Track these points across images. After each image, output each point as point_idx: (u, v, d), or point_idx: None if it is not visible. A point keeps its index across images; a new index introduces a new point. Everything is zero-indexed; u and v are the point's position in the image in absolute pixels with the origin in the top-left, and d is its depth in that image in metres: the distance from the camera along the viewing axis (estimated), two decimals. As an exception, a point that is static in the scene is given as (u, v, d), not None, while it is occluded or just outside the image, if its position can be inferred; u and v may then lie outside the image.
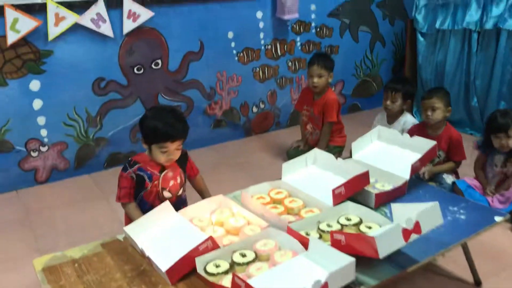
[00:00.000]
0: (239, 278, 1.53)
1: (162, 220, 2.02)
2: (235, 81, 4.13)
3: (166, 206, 2.05)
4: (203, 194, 2.45)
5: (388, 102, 3.26)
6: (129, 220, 2.26)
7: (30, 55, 3.21)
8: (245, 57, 4.11)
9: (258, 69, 4.22)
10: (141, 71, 3.65)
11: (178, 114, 2.25)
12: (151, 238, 1.95)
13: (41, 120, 3.38)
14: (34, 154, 3.42)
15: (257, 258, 1.78)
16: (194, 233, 1.90)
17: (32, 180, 3.47)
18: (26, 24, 3.09)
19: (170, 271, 1.71)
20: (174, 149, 2.19)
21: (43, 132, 3.41)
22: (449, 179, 2.98)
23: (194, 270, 1.73)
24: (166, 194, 2.29)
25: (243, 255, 1.79)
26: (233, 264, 1.76)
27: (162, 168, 2.27)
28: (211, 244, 1.80)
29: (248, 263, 1.75)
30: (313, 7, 4.34)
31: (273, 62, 4.29)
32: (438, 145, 2.83)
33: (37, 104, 3.34)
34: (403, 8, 4.94)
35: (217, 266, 1.73)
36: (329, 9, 4.46)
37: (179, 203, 2.31)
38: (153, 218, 2.01)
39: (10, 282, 2.45)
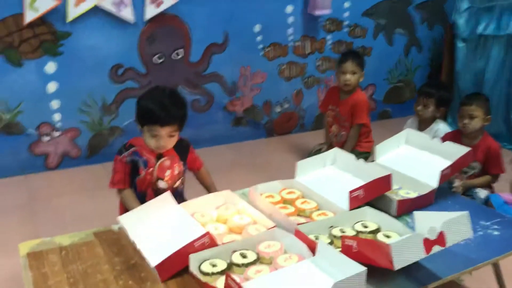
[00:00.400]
0: (232, 279, 1.35)
1: (161, 212, 1.87)
2: (259, 78, 3.97)
3: (167, 197, 1.89)
4: (208, 189, 2.28)
5: (420, 107, 3.05)
6: (123, 208, 2.11)
7: (47, 36, 3.14)
8: (271, 53, 3.95)
9: (284, 66, 4.05)
10: (161, 60, 3.53)
11: (176, 98, 2.05)
12: (146, 230, 1.79)
13: (54, 104, 3.30)
14: (45, 138, 3.34)
15: (258, 260, 1.61)
16: (192, 228, 1.73)
17: (42, 166, 3.38)
18: (45, 2, 3.02)
19: (160, 266, 1.55)
20: (165, 135, 2.00)
21: (56, 117, 3.33)
22: (482, 193, 2.73)
23: (187, 268, 1.56)
24: (161, 184, 2.12)
25: (244, 256, 1.61)
26: (231, 265, 1.58)
27: (159, 156, 2.10)
28: (208, 241, 1.63)
29: (248, 265, 1.57)
30: (346, 4, 4.15)
31: (301, 60, 4.11)
32: (474, 155, 2.59)
33: (52, 87, 3.26)
34: (443, 12, 4.69)
35: (213, 266, 1.57)
36: (364, 8, 4.27)
37: (174, 196, 2.11)
38: (151, 208, 1.86)
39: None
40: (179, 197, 2.19)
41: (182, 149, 2.16)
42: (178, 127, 2.03)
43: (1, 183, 3.24)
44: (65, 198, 3.06)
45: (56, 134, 3.36)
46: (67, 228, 2.67)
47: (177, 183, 2.18)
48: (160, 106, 1.95)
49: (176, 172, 2.15)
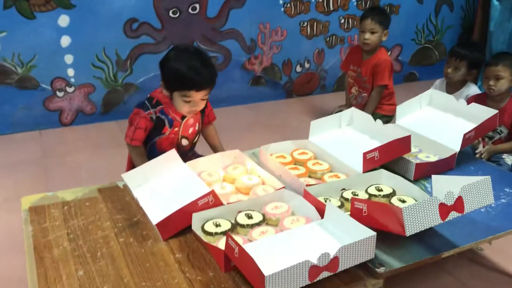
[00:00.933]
0: (233, 240, 1.28)
1: (166, 170, 1.80)
2: (279, 35, 3.82)
3: (173, 155, 1.82)
4: (216, 148, 2.22)
5: (450, 70, 2.87)
6: (131, 164, 2.07)
7: (60, -13, 3.05)
8: (293, 9, 3.78)
9: (306, 23, 3.88)
10: (177, 14, 3.41)
11: (206, 59, 1.96)
12: (150, 188, 1.73)
13: (68, 59, 3.24)
14: (60, 94, 3.30)
15: (264, 221, 1.53)
16: (197, 187, 1.66)
17: (56, 121, 3.37)
18: (56, -49, 2.92)
19: (161, 224, 1.50)
20: (199, 99, 1.92)
21: (70, 72, 3.28)
22: (509, 159, 2.59)
23: (191, 227, 1.51)
24: (184, 142, 2.08)
25: (249, 217, 1.54)
26: (235, 225, 1.51)
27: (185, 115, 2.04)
28: (212, 200, 1.56)
29: (252, 226, 1.50)
30: (374, -42, 3.93)
31: (324, 17, 3.93)
32: (500, 119, 2.45)
33: (65, 41, 3.20)
34: (478, -33, 4.40)
35: (216, 226, 1.50)
36: (393, -38, 4.03)
37: (191, 149, 2.14)
38: (156, 166, 1.80)
39: (4, 221, 2.39)
40: (193, 154, 2.16)
41: None
42: (211, 88, 1.96)
43: (16, 138, 3.24)
44: (78, 154, 3.04)
45: (70, 89, 3.32)
46: (79, 185, 2.64)
47: (196, 138, 2.15)
48: (195, 70, 1.86)
49: (197, 128, 2.11)
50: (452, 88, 2.93)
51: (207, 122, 2.20)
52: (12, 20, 3.05)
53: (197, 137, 2.15)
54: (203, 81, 1.88)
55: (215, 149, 2.21)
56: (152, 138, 2.04)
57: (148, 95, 2.03)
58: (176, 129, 2.03)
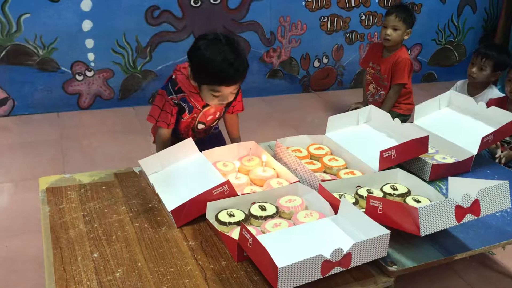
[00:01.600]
0: (247, 231, 1.29)
1: (182, 158, 1.81)
2: (299, 29, 3.80)
3: (189, 143, 1.83)
4: (233, 139, 2.22)
5: (475, 69, 2.80)
6: (154, 130, 2.10)
7: (84, -28, 3.07)
8: (314, 3, 3.76)
9: (326, 18, 3.85)
10: (198, 4, 3.41)
11: (238, 50, 1.80)
12: (166, 175, 1.74)
13: (89, 43, 3.26)
14: (79, 77, 3.33)
15: (277, 214, 1.54)
16: (212, 176, 1.68)
17: (74, 105, 3.40)
18: None
19: (176, 212, 1.51)
20: (228, 93, 1.85)
21: (90, 56, 3.30)
22: (526, 165, 2.55)
23: (204, 216, 1.52)
24: (200, 126, 2.08)
25: (263, 208, 1.55)
26: (249, 216, 1.53)
27: (206, 104, 1.99)
28: (227, 190, 1.57)
29: (266, 218, 1.51)
30: (398, -45, 3.88)
31: (345, 13, 3.90)
32: (520, 124, 2.41)
33: (87, 25, 3.22)
34: (504, -31, 4.33)
35: (230, 216, 1.51)
36: (417, -39, 3.98)
37: (205, 132, 2.15)
38: (172, 154, 1.81)
39: (20, 200, 2.42)
40: (215, 135, 2.19)
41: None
42: (242, 81, 1.86)
43: (35, 119, 3.28)
44: (95, 138, 3.07)
45: (90, 74, 3.35)
46: (94, 168, 2.68)
47: (213, 123, 2.14)
48: (228, 64, 1.74)
49: (217, 116, 2.10)
50: (474, 89, 2.88)
51: (231, 112, 2.15)
52: (36, 2, 3.08)
53: (214, 122, 2.13)
54: (235, 75, 1.78)
55: (233, 140, 2.21)
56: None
57: (173, 76, 1.96)
58: (195, 115, 2.02)
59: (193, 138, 1.84)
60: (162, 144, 2.03)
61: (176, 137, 2.10)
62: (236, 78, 1.79)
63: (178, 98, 1.96)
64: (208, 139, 2.18)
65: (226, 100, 1.89)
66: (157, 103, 1.99)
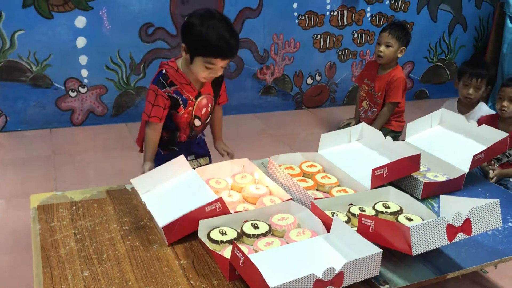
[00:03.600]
0: (239, 250, 1.28)
1: (174, 176, 1.81)
2: (292, 47, 3.83)
3: (181, 160, 1.82)
4: (214, 128, 2.28)
5: (471, 91, 2.78)
6: (142, 136, 2.11)
7: (79, -11, 3.09)
8: (307, 22, 3.80)
9: (319, 36, 3.89)
10: (193, 21, 3.43)
11: (232, 27, 1.91)
12: (158, 193, 1.74)
13: (83, 60, 3.27)
14: (72, 94, 3.33)
15: (270, 232, 1.54)
16: (205, 194, 1.67)
17: (67, 121, 3.39)
18: (77, -45, 2.96)
19: (167, 228, 1.50)
20: (219, 67, 1.92)
21: (84, 73, 3.31)
22: (517, 183, 2.57)
23: (197, 234, 1.51)
24: (197, 122, 2.11)
25: (255, 226, 1.55)
26: (241, 234, 1.52)
27: (198, 94, 2.05)
28: (220, 207, 1.57)
29: (258, 236, 1.50)
30: (390, -25, 3.94)
31: (337, 31, 3.94)
32: (510, 142, 2.43)
33: (81, 42, 3.23)
34: (494, -11, 4.41)
35: (222, 234, 1.51)
36: (408, -19, 4.04)
37: (202, 130, 2.21)
38: (165, 172, 1.80)
39: (11, 217, 2.40)
40: (203, 141, 2.24)
41: (217, 84, 2.11)
42: (235, 55, 1.97)
43: (27, 135, 3.27)
44: (87, 155, 3.06)
45: (83, 90, 3.35)
46: (86, 184, 2.67)
47: (208, 119, 2.18)
48: (223, 39, 1.84)
49: (209, 109, 2.13)
50: (465, 107, 2.90)
51: (218, 103, 2.20)
52: (31, 19, 3.09)
53: (209, 118, 2.17)
54: (231, 50, 1.88)
55: (213, 129, 2.27)
56: (169, 111, 2.04)
57: (163, 71, 1.99)
58: (190, 108, 2.04)
59: (189, 136, 1.97)
60: (153, 142, 2.05)
61: (173, 139, 2.13)
62: (230, 52, 1.89)
63: (172, 91, 1.99)
64: (196, 144, 2.24)
65: (216, 74, 1.95)
66: (149, 99, 2.00)
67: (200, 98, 2.05)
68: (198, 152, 2.25)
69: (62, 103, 3.34)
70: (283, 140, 3.48)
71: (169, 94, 1.98)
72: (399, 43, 3.09)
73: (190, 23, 1.89)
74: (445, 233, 1.31)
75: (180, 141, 2.14)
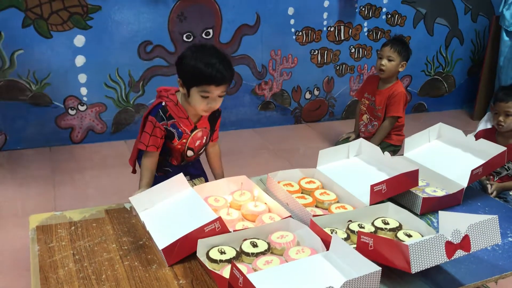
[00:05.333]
0: (237, 269, 1.28)
1: (173, 194, 1.81)
2: (289, 62, 3.86)
3: (180, 179, 1.82)
4: (216, 173, 2.25)
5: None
6: (134, 157, 2.16)
7: (78, 9, 3.12)
8: (304, 37, 3.83)
9: (316, 52, 3.92)
10: (191, 39, 3.47)
11: (223, 55, 1.96)
12: (157, 212, 1.74)
13: (82, 78, 3.29)
14: (71, 112, 3.34)
15: (269, 250, 1.53)
16: (204, 213, 1.67)
17: (67, 139, 3.40)
18: (76, -25, 3.00)
19: (167, 250, 1.50)
20: (216, 96, 1.93)
21: (83, 91, 3.32)
22: (517, 196, 2.57)
23: (196, 253, 1.51)
24: (189, 153, 2.13)
25: (254, 245, 1.54)
26: (240, 253, 1.51)
27: (194, 127, 2.08)
28: (219, 227, 1.56)
29: (257, 255, 1.50)
30: (386, -10, 3.98)
31: (335, 46, 3.97)
32: (509, 155, 2.43)
33: (80, 60, 3.25)
34: (489, 3, 4.44)
35: (221, 253, 1.50)
36: (405, -5, 4.08)
37: (195, 159, 2.22)
38: (163, 190, 1.80)
39: (10, 237, 2.39)
40: (197, 162, 2.24)
41: (214, 119, 2.13)
42: (229, 85, 1.98)
43: (26, 154, 3.27)
44: (86, 173, 3.06)
45: (82, 108, 3.36)
46: (86, 203, 2.67)
47: (202, 150, 2.19)
48: (213, 66, 1.87)
49: (204, 141, 2.15)
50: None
51: (212, 139, 2.22)
52: (30, 38, 3.12)
53: (202, 149, 2.19)
54: (221, 75, 1.89)
55: (216, 176, 2.25)
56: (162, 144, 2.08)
57: (163, 103, 2.02)
58: (184, 140, 2.07)
59: (180, 163, 2.00)
60: (150, 170, 2.07)
61: (165, 162, 2.15)
62: (221, 77, 1.89)
63: (169, 124, 2.02)
64: (191, 165, 2.26)
65: (215, 103, 1.96)
66: (147, 129, 2.03)
67: (195, 131, 2.08)
68: (193, 173, 2.26)
69: (61, 121, 3.35)
70: (283, 155, 3.48)
71: (166, 127, 2.02)
72: (400, 57, 3.13)
73: (182, 57, 1.95)
74: (444, 250, 1.30)
75: (173, 164, 2.17)
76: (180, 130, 2.04)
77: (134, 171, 2.24)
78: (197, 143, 2.12)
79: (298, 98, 4.02)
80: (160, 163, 2.15)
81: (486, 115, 3.05)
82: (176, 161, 2.16)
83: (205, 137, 2.14)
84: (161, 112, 2.01)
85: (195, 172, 2.28)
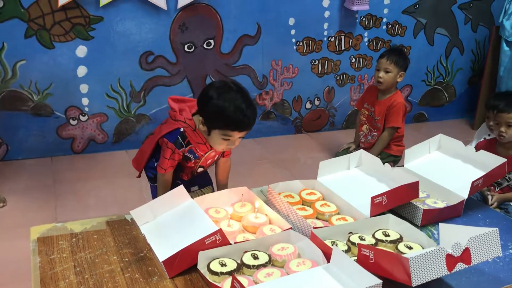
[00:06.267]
0: (238, 282, 1.28)
1: (174, 206, 1.81)
2: (290, 72, 3.87)
3: (181, 191, 1.83)
4: (222, 181, 2.26)
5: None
6: (138, 158, 2.20)
7: (80, 19, 3.15)
8: (305, 47, 3.84)
9: (317, 62, 3.94)
10: (192, 49, 3.49)
11: (249, 98, 1.91)
12: (158, 225, 1.74)
13: (83, 88, 3.31)
14: (73, 122, 3.36)
15: (270, 262, 1.53)
16: (205, 224, 1.67)
17: (68, 149, 3.41)
18: (78, -14, 3.02)
19: (168, 262, 1.50)
20: (237, 138, 1.94)
21: (84, 101, 3.34)
22: (518, 207, 2.56)
23: (197, 265, 1.51)
24: (200, 169, 2.17)
25: (255, 257, 1.54)
26: (241, 265, 1.52)
27: (209, 150, 2.09)
28: (220, 239, 1.57)
29: (258, 267, 1.50)
30: (387, 0, 3.99)
31: (335, 56, 3.99)
32: (510, 166, 2.42)
33: (82, 71, 3.27)
34: (489, 13, 4.46)
35: (222, 265, 1.50)
36: (405, 5, 4.09)
37: (203, 174, 2.24)
38: (164, 203, 1.81)
39: (11, 248, 2.39)
40: (206, 174, 2.29)
41: None
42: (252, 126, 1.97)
43: (27, 164, 3.28)
44: (88, 183, 3.07)
45: (84, 118, 3.38)
46: (87, 213, 2.67)
47: (212, 165, 2.22)
48: (241, 112, 1.84)
49: (215, 159, 2.17)
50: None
51: (224, 155, 2.22)
52: (32, 49, 3.13)
53: (211, 165, 2.22)
54: (248, 123, 1.88)
55: (220, 187, 2.25)
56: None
57: (181, 130, 2.01)
58: (198, 160, 2.10)
59: (189, 177, 2.03)
60: (166, 187, 2.09)
61: (175, 179, 2.16)
62: (248, 125, 1.90)
63: (186, 150, 2.04)
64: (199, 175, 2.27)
65: (234, 145, 1.98)
66: (165, 155, 2.04)
67: (209, 152, 2.09)
68: (201, 182, 2.28)
69: (63, 131, 3.36)
70: (283, 165, 3.48)
71: (184, 153, 2.05)
72: (398, 68, 3.12)
73: (207, 97, 1.90)
74: (445, 263, 1.31)
75: (183, 179, 2.19)
76: (197, 154, 2.07)
77: (139, 176, 2.26)
78: (209, 161, 2.15)
79: (298, 108, 4.04)
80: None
81: (481, 127, 3.05)
82: (186, 176, 2.18)
83: (217, 156, 2.16)
84: (180, 139, 2.02)
85: (203, 181, 2.29)
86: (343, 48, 3.99)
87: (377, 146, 3.23)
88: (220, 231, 1.56)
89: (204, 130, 1.97)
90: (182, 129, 2.02)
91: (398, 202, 1.82)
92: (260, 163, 3.49)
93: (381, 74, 3.12)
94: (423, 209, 1.80)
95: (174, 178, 2.18)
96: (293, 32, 3.76)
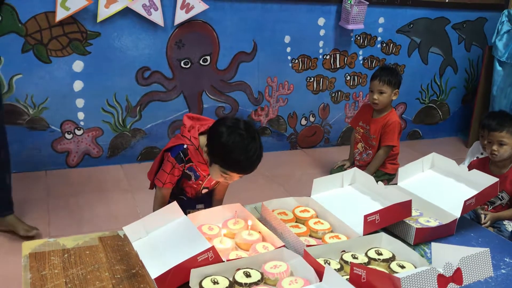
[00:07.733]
0: (230, 301, 1.27)
1: (167, 223, 1.81)
2: (286, 89, 3.90)
3: (174, 207, 1.83)
4: (218, 196, 2.27)
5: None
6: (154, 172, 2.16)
7: (77, 35, 3.16)
8: (300, 65, 3.88)
9: (312, 79, 3.97)
10: (188, 65, 3.51)
11: (256, 141, 1.87)
12: (150, 241, 1.74)
13: (79, 103, 3.31)
14: (68, 136, 3.35)
15: (262, 280, 1.53)
16: (197, 241, 1.67)
17: (63, 163, 3.40)
18: (76, 2, 3.04)
19: (160, 279, 1.49)
20: (237, 177, 1.95)
21: (80, 115, 3.34)
22: (510, 226, 2.57)
23: (189, 283, 1.50)
24: (204, 190, 2.18)
25: (248, 275, 1.54)
26: (233, 283, 1.51)
27: None
28: (212, 256, 1.56)
29: (250, 285, 1.49)
30: (381, 20, 4.04)
31: (330, 73, 4.02)
32: (502, 185, 2.46)
33: (78, 85, 3.28)
34: (482, 33, 4.52)
35: (214, 283, 1.50)
36: (400, 25, 4.15)
37: (209, 193, 2.25)
38: (157, 219, 1.80)
39: (2, 264, 2.38)
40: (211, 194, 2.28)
41: None
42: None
43: (22, 177, 3.26)
44: (81, 197, 3.06)
45: (79, 132, 3.38)
46: (80, 228, 2.66)
47: (216, 185, 2.23)
48: (246, 158, 1.84)
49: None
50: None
51: None
52: (29, 63, 3.15)
53: (216, 185, 2.23)
54: (251, 168, 1.89)
55: (216, 202, 2.26)
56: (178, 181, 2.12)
57: (185, 146, 2.01)
58: (200, 182, 2.11)
59: (194, 196, 2.05)
60: (162, 203, 2.09)
61: (180, 194, 2.19)
62: (251, 169, 1.90)
63: (186, 167, 2.05)
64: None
65: (232, 181, 1.98)
66: (165, 168, 2.05)
67: None
68: (207, 200, 2.28)
69: (58, 145, 3.36)
70: (278, 181, 3.49)
71: (183, 169, 2.05)
72: (391, 87, 3.14)
73: (217, 132, 1.87)
74: (436, 283, 1.31)
75: (187, 196, 2.21)
76: (197, 173, 2.07)
77: (151, 187, 2.24)
78: (213, 182, 2.15)
79: (294, 124, 4.06)
80: (175, 192, 2.17)
81: (473, 145, 3.07)
82: (190, 194, 2.19)
83: None
84: (181, 154, 2.03)
85: (209, 199, 2.29)
86: (338, 66, 4.03)
87: (373, 164, 3.25)
88: (212, 248, 1.56)
89: (207, 160, 1.97)
90: (185, 146, 2.03)
91: (391, 221, 1.83)
92: (255, 178, 3.49)
93: (376, 96, 3.14)
94: (416, 228, 1.80)
95: (179, 193, 2.19)
96: (288, 49, 3.80)
